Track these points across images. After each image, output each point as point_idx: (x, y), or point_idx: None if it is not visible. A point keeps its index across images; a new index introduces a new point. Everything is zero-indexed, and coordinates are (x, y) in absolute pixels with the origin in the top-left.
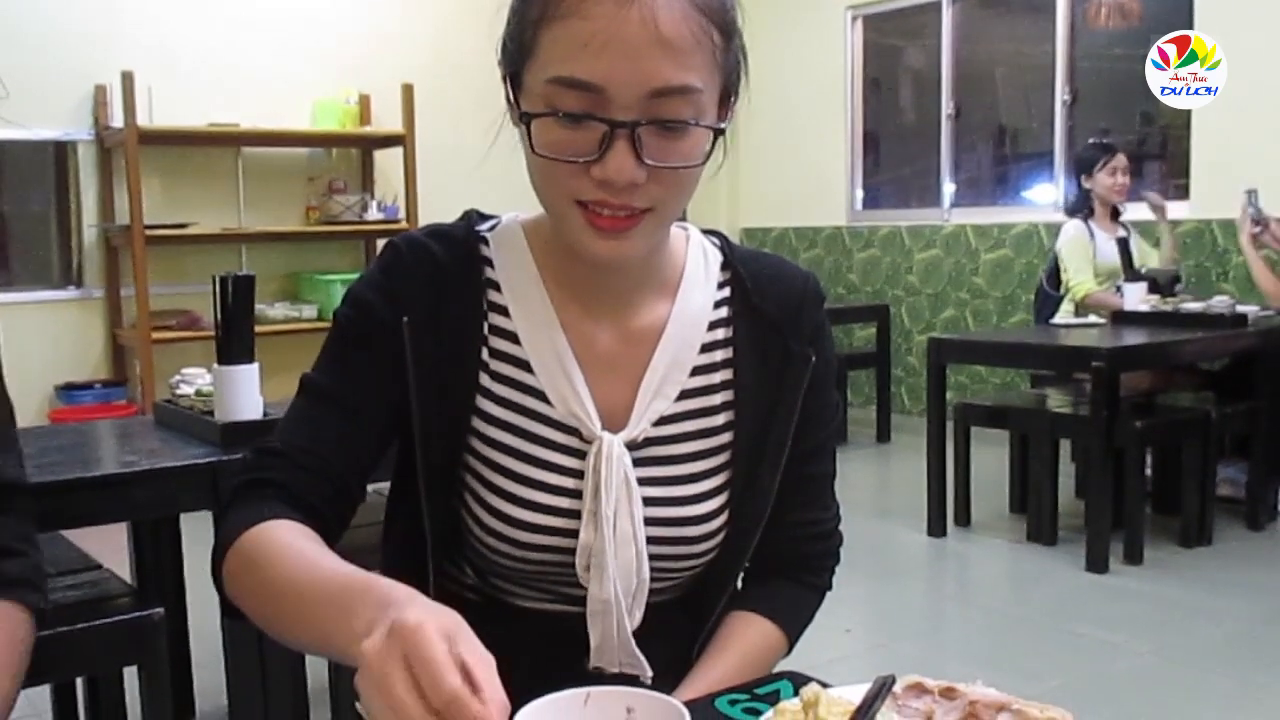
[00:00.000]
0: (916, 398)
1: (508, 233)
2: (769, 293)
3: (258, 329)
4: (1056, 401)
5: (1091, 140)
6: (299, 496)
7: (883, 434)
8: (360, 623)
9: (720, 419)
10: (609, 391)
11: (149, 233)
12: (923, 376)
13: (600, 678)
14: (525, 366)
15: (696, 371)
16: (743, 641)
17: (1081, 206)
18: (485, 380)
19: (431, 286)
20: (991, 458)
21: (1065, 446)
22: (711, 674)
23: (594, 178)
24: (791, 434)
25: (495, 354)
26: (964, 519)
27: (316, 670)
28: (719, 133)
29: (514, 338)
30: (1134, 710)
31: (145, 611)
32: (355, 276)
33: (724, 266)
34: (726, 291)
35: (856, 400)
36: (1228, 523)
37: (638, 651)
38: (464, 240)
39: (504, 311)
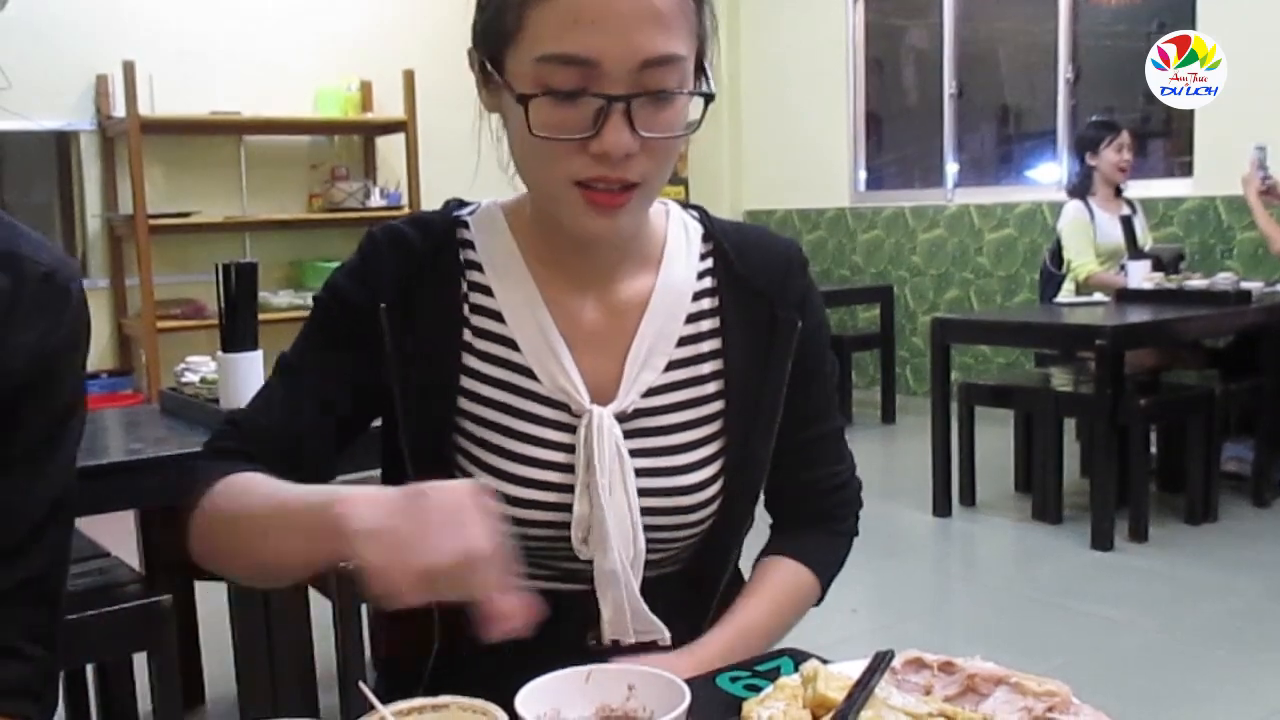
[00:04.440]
0: (921, 378)
1: (487, 215)
2: (752, 261)
3: (262, 317)
4: (1061, 380)
5: (1094, 118)
6: (256, 465)
7: (887, 415)
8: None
9: (710, 388)
10: (596, 365)
11: (152, 222)
12: (927, 357)
13: (602, 655)
14: (511, 344)
15: (683, 342)
16: (776, 583)
17: (1083, 185)
18: (470, 361)
19: (408, 272)
20: (996, 437)
21: (1070, 425)
22: (749, 615)
23: (591, 153)
24: (782, 401)
25: (480, 333)
26: (969, 498)
27: (325, 654)
28: (710, 98)
29: (499, 316)
30: (1139, 687)
31: (154, 598)
32: None
33: (705, 238)
34: (709, 263)
35: (861, 382)
36: (1233, 500)
37: (652, 616)
38: (441, 226)
39: (488, 291)
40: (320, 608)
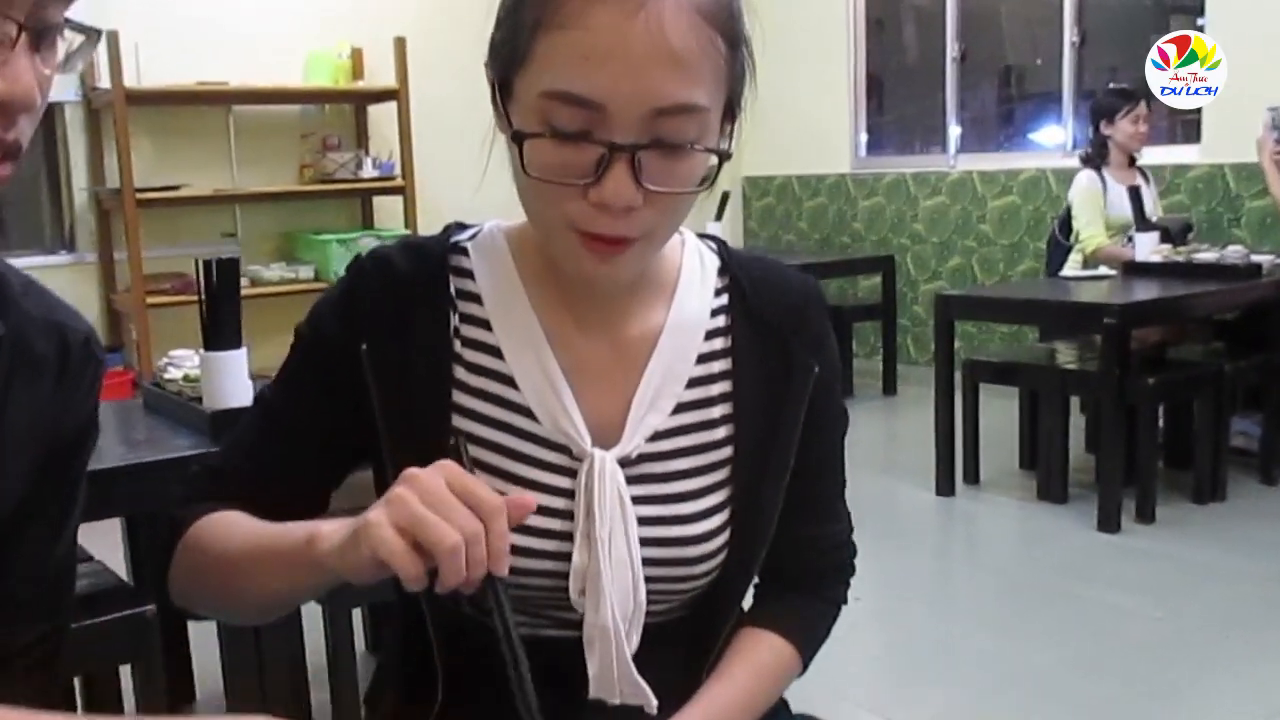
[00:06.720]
0: (923, 348)
1: (489, 242)
2: (769, 299)
3: (253, 291)
4: (1066, 356)
5: (1111, 85)
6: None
7: (889, 386)
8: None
9: (720, 433)
10: (600, 405)
11: (140, 195)
12: (929, 326)
13: (601, 709)
14: (509, 382)
15: (693, 383)
16: (752, 659)
17: (1098, 154)
18: (464, 399)
19: (395, 305)
20: (1000, 412)
21: (1075, 397)
22: (720, 695)
23: (590, 200)
24: (795, 448)
25: (476, 370)
26: (973, 476)
27: (314, 647)
28: (724, 156)
29: (497, 352)
30: (1145, 675)
31: (139, 609)
32: (352, 235)
33: (721, 272)
34: (724, 299)
35: (862, 352)
36: (1241, 477)
37: (640, 680)
38: (436, 253)
39: (486, 325)
40: (310, 605)
